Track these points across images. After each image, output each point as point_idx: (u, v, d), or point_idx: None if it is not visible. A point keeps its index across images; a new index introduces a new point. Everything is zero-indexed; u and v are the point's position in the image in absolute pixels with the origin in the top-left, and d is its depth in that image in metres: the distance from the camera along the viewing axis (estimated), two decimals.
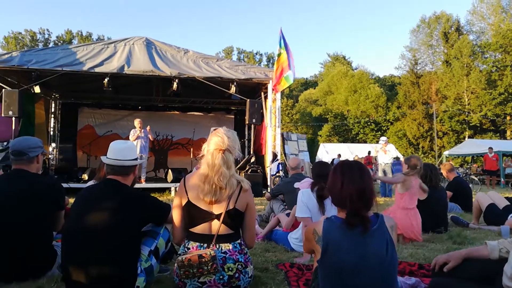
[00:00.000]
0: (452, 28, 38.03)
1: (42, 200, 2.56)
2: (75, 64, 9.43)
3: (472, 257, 2.17)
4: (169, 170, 11.19)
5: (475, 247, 2.31)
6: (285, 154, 11.87)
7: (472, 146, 21.69)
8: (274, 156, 10.38)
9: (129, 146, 2.57)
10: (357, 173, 1.91)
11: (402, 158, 16.37)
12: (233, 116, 15.26)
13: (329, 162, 10.97)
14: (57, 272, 2.55)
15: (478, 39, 37.89)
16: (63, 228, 2.55)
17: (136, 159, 2.55)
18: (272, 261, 3.17)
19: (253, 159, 10.32)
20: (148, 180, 10.41)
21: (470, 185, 9.54)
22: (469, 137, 33.47)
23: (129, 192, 2.42)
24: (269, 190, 8.88)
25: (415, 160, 4.46)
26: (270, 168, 10.23)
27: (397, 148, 29.08)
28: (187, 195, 2.27)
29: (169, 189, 9.87)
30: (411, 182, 4.29)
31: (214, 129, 2.38)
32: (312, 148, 32.37)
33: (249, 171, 9.72)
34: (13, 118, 9.15)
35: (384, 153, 10.63)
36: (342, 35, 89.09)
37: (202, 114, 15.16)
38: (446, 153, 25.18)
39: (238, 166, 9.69)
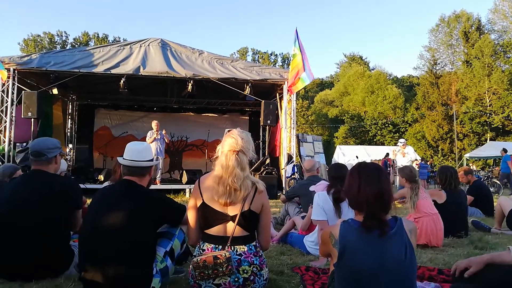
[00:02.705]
0: (473, 27, 37.19)
1: (60, 201, 2.60)
2: (92, 65, 9.61)
3: (494, 262, 2.10)
4: (184, 172, 11.26)
5: (498, 253, 2.23)
6: (300, 156, 11.80)
7: (494, 148, 21.17)
8: (289, 158, 10.33)
9: (146, 147, 2.58)
10: (374, 175, 1.88)
11: (418, 161, 16.08)
12: (247, 117, 15.27)
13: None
14: (74, 272, 2.57)
15: (500, 38, 36.93)
16: (80, 228, 2.57)
17: (152, 160, 2.56)
18: (287, 264, 3.14)
19: (268, 161, 10.29)
20: (163, 181, 10.51)
21: (492, 189, 9.27)
22: (490, 139, 32.64)
23: (145, 193, 2.43)
24: (284, 192, 8.84)
25: (408, 169, 4.35)
26: (285, 170, 10.19)
27: (416, 151, 28.61)
28: (201, 196, 2.27)
29: (183, 190, 9.92)
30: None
31: (228, 131, 2.37)
32: (328, 150, 32.12)
33: (264, 173, 9.70)
34: (32, 120, 9.37)
35: (403, 155, 10.47)
36: (359, 35, 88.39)
37: (216, 115, 15.22)
38: (466, 155, 24.64)
39: (253, 167, 9.68)
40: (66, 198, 2.64)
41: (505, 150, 14.79)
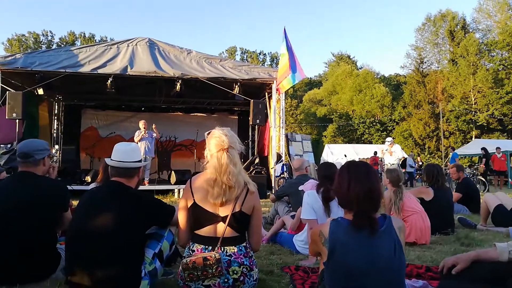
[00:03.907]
0: (458, 26, 37.77)
1: (47, 202, 2.55)
2: (78, 65, 9.43)
3: (481, 259, 2.13)
4: (173, 172, 11.17)
5: (484, 249, 2.27)
6: (289, 155, 11.82)
7: (479, 146, 21.50)
8: (279, 157, 10.34)
9: (134, 148, 2.57)
10: (364, 173, 1.89)
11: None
12: (236, 117, 15.24)
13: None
14: (61, 275, 2.53)
15: (485, 37, 37.58)
16: (67, 230, 2.53)
17: (140, 160, 2.54)
18: (277, 264, 3.14)
19: (257, 160, 10.29)
20: (151, 182, 10.42)
21: (478, 186, 9.42)
22: (476, 137, 33.20)
23: (134, 194, 2.41)
24: (273, 192, 8.85)
25: (396, 173, 4.36)
26: (275, 169, 10.19)
27: (403, 149, 28.96)
28: (193, 196, 2.25)
29: (172, 191, 9.85)
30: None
31: (208, 133, 2.35)
32: (317, 149, 32.28)
33: (253, 172, 9.69)
34: (17, 120, 9.18)
35: (390, 154, 10.58)
36: (347, 34, 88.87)
37: (205, 115, 15.14)
38: None
39: (243, 166, 9.66)
40: (53, 200, 2.60)
41: (453, 149, 15.51)
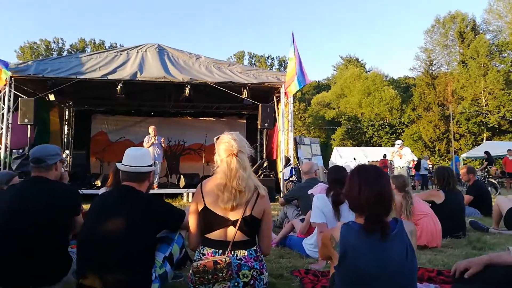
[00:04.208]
0: (468, 28, 37.39)
1: (61, 205, 2.59)
2: (89, 72, 9.59)
3: (494, 263, 2.11)
4: (181, 176, 11.23)
5: (497, 253, 2.24)
6: (298, 158, 11.80)
7: (490, 148, 21.27)
8: (287, 160, 10.33)
9: (144, 153, 2.60)
10: (373, 177, 1.89)
11: (414, 161, 16.38)
12: (245, 121, 15.29)
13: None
14: (72, 279, 2.56)
15: (495, 38, 37.11)
16: (78, 234, 2.57)
17: (151, 165, 2.57)
18: (287, 268, 3.14)
19: (265, 164, 10.30)
20: (160, 185, 10.47)
21: (489, 189, 9.30)
22: (487, 139, 32.72)
23: (144, 198, 2.43)
24: (282, 195, 8.84)
25: (402, 179, 4.30)
26: (283, 172, 10.19)
27: (413, 151, 28.69)
28: (203, 200, 2.26)
29: (181, 194, 9.90)
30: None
31: (217, 139, 2.36)
32: (326, 152, 32.16)
33: (262, 176, 9.70)
34: (29, 126, 9.33)
35: (400, 157, 10.51)
36: (355, 37, 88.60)
37: (214, 119, 15.23)
38: (463, 155, 24.72)
39: (252, 169, 9.68)
40: (67, 203, 2.64)
41: (455, 152, 15.37)
